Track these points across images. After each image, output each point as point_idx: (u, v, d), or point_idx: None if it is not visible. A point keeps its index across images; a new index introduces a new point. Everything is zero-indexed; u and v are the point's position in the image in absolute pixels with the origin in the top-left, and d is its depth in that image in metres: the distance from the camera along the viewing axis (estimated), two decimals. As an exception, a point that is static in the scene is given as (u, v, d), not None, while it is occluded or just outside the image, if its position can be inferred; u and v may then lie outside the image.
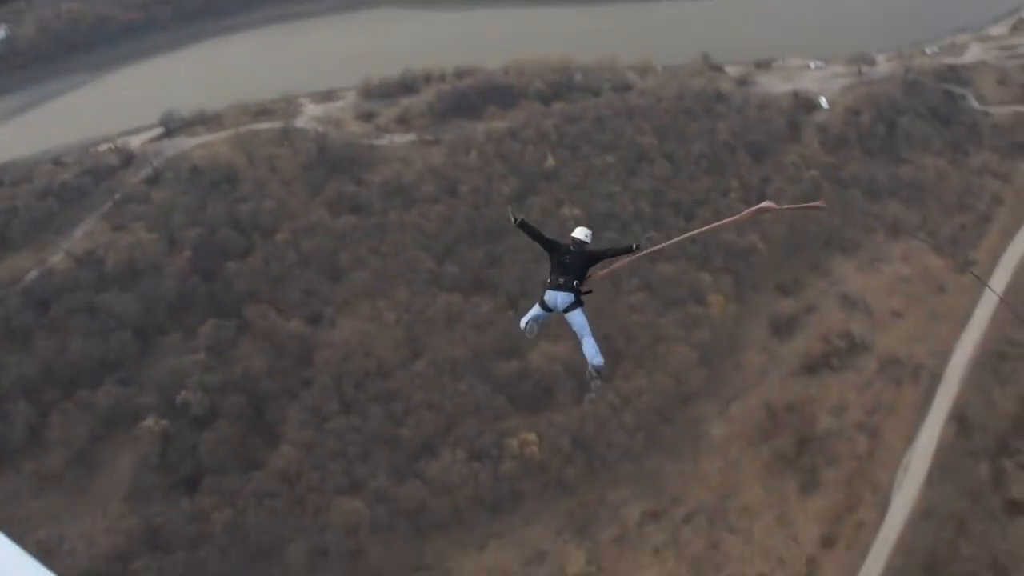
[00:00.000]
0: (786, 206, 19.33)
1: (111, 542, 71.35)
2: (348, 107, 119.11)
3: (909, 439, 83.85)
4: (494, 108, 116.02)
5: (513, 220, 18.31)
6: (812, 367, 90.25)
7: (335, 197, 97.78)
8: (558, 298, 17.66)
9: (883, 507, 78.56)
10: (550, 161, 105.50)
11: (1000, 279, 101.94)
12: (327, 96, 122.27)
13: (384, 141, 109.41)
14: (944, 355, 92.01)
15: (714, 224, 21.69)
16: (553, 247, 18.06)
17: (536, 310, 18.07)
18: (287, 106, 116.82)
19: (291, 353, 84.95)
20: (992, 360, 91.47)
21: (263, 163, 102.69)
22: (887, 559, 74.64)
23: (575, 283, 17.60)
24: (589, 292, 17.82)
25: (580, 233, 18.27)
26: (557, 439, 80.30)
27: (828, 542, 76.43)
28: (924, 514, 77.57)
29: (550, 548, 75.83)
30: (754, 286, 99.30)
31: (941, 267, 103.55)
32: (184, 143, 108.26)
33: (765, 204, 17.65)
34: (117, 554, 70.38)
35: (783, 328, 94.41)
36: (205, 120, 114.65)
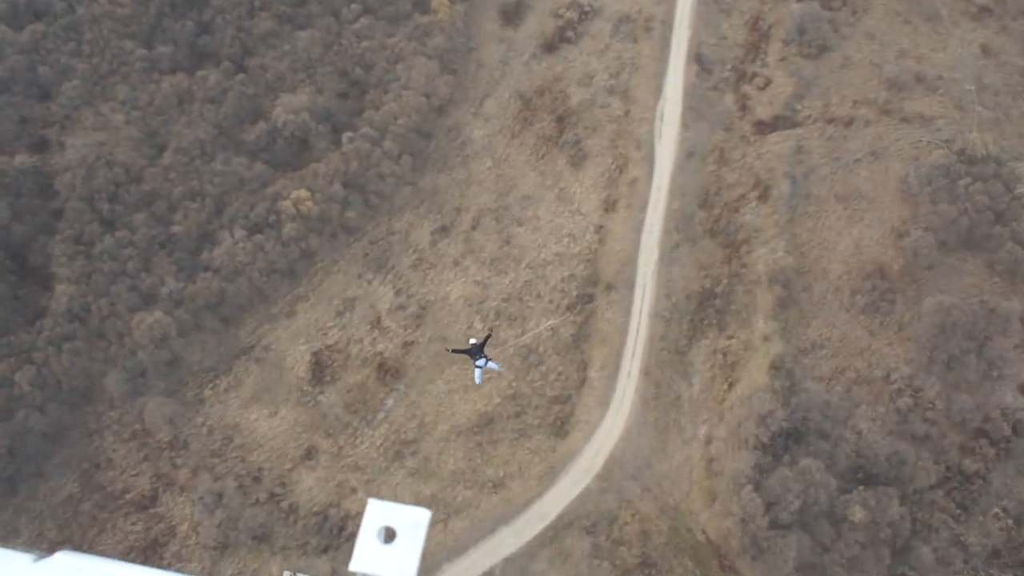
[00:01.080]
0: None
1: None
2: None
3: (658, 89, 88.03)
4: None
5: (449, 351, 50.98)
6: (550, 45, 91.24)
7: (9, 9, 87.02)
8: (483, 361, 41.22)
9: (649, 160, 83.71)
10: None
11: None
12: None
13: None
14: (669, 1, 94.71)
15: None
16: (468, 351, 41.50)
17: (477, 371, 42.22)
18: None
19: (29, 189, 79.29)
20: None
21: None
22: (665, 205, 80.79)
23: (483, 354, 41.29)
24: (487, 357, 41.78)
25: (472, 340, 41.70)
26: (328, 188, 79.82)
27: (610, 206, 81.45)
28: (687, 155, 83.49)
29: (357, 292, 77.80)
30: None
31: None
32: None
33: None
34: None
35: (512, 14, 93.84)
36: None
